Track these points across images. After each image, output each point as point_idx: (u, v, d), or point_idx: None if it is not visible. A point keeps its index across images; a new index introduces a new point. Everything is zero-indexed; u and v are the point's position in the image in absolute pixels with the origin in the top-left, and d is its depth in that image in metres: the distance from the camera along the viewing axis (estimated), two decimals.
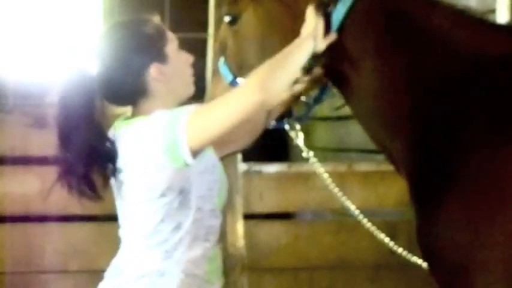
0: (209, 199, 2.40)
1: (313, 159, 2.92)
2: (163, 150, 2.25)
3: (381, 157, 4.66)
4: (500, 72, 2.36)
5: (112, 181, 2.41)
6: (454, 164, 2.31)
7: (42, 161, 4.47)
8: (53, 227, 4.49)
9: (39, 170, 4.43)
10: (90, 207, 4.42)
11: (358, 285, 4.76)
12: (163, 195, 2.31)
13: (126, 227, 2.45)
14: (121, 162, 2.35)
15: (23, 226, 4.48)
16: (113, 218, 4.54)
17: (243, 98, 2.23)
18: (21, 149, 4.50)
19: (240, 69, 2.65)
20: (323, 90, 2.79)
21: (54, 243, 4.48)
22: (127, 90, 2.38)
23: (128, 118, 2.42)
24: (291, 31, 2.52)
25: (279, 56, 2.33)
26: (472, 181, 2.28)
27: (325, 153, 5.42)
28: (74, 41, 5.06)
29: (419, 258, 3.31)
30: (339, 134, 5.85)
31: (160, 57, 2.38)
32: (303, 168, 4.64)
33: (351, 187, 4.57)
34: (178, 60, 2.43)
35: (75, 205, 4.32)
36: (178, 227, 2.35)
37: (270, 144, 3.74)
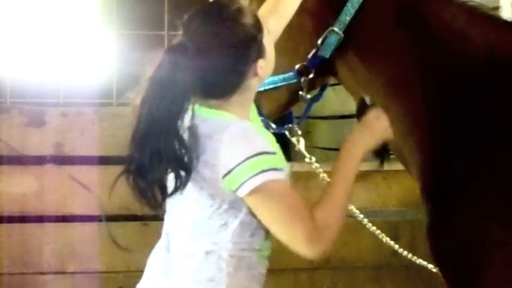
0: None
1: (315, 164, 2.90)
2: (224, 178, 2.09)
3: None
4: None
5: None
6: (469, 163, 2.29)
7: (39, 160, 4.44)
8: (51, 228, 4.45)
9: (36, 170, 4.41)
10: (89, 208, 4.36)
11: (359, 285, 4.73)
12: (213, 198, 2.14)
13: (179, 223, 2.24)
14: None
15: (20, 226, 4.44)
16: (111, 218, 4.54)
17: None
18: (18, 148, 4.46)
19: None
20: (322, 89, 2.77)
21: (51, 243, 4.45)
22: (224, 87, 2.15)
23: (209, 106, 2.17)
24: (294, 29, 2.52)
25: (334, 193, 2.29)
26: (487, 181, 2.26)
27: (326, 153, 5.38)
28: (71, 39, 5.02)
29: (422, 258, 3.29)
30: (341, 133, 5.82)
31: (262, 52, 2.16)
32: (303, 168, 4.59)
33: (353, 187, 4.53)
34: (271, 51, 2.23)
35: (73, 205, 4.25)
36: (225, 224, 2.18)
37: None
